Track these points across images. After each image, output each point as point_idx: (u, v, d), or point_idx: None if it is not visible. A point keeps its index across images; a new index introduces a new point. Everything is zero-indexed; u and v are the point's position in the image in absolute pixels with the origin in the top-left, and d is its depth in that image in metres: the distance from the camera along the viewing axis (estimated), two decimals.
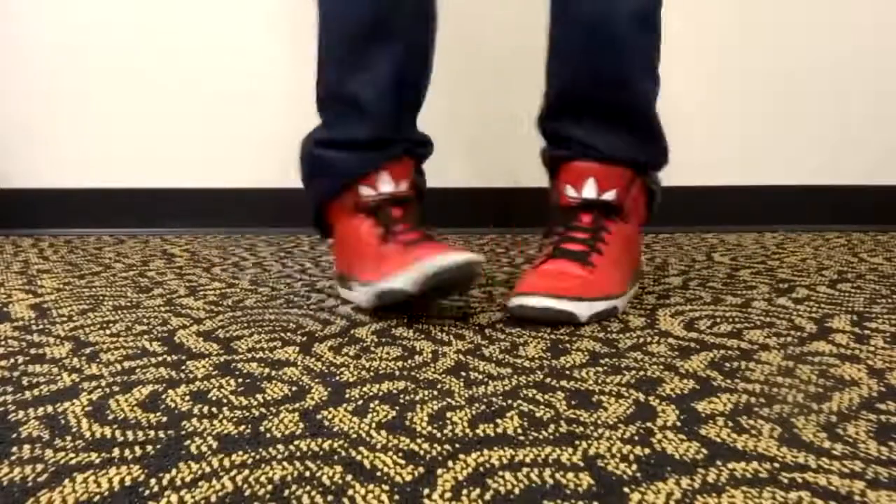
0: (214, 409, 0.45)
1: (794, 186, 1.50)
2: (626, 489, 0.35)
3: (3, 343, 0.61)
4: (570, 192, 0.75)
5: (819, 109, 1.50)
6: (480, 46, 1.43)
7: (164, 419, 0.44)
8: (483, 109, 1.45)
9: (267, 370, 0.54)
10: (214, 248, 1.24)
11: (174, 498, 0.34)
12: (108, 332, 0.65)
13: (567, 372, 0.53)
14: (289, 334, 0.65)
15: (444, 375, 0.52)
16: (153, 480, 0.36)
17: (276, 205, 1.44)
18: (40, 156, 1.48)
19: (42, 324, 0.68)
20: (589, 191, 0.75)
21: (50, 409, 0.46)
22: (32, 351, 0.59)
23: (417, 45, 0.77)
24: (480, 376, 0.52)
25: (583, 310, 0.66)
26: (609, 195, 0.75)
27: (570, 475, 0.36)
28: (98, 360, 0.56)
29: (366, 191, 0.76)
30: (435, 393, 0.49)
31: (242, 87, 1.46)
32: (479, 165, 1.48)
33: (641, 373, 0.53)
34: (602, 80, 0.73)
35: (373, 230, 0.74)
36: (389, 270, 0.67)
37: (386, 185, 0.76)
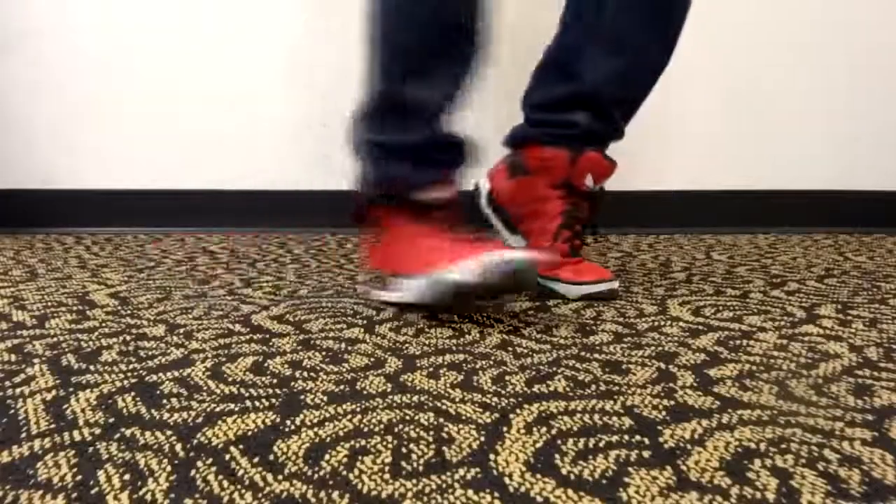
0: (313, 374, 0.55)
1: (785, 191, 1.61)
2: (659, 427, 0.44)
3: (105, 325, 0.71)
4: (588, 181, 0.89)
5: (806, 119, 1.61)
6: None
7: (275, 381, 0.53)
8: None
9: (343, 345, 0.63)
10: (251, 246, 1.33)
11: (311, 433, 0.43)
12: (190, 316, 0.75)
13: (597, 347, 0.63)
14: (350, 318, 0.74)
15: (494, 350, 0.62)
16: (288, 421, 0.45)
17: (300, 205, 1.53)
18: (77, 158, 1.57)
19: (129, 310, 0.78)
20: (590, 181, 0.90)
21: (176, 373, 0.55)
22: (134, 331, 0.68)
23: (473, 63, 0.82)
24: (526, 350, 0.62)
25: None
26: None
27: (615, 418, 0.46)
28: (194, 337, 0.66)
29: (421, 195, 0.79)
30: (491, 362, 0.58)
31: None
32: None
33: (660, 348, 0.63)
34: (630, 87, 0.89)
35: (425, 229, 0.77)
36: (446, 261, 0.69)
37: (439, 191, 0.80)
